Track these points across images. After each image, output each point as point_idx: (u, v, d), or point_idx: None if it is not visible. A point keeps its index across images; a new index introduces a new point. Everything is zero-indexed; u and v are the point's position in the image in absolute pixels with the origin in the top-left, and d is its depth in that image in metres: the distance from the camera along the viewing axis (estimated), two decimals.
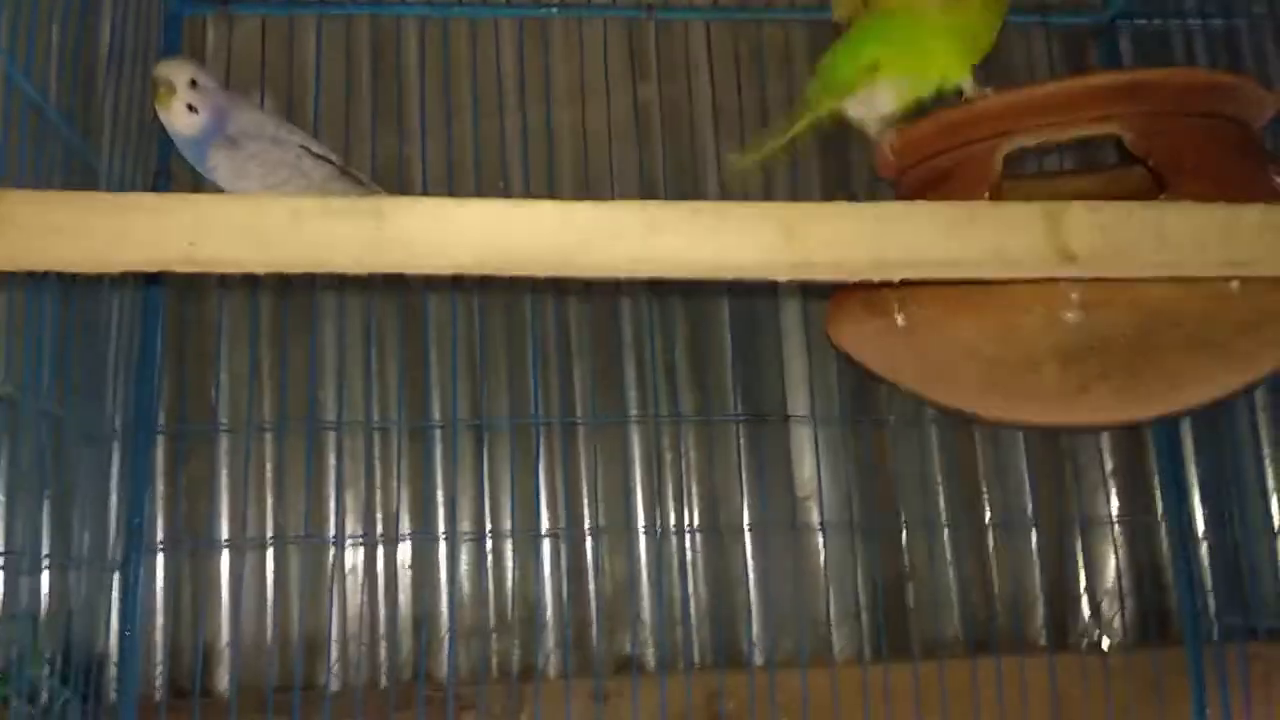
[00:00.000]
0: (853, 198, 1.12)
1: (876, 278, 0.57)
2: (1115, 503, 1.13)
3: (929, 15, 0.76)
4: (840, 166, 1.15)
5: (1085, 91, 0.72)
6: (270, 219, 0.53)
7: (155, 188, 1.02)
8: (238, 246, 0.53)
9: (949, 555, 1.11)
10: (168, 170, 1.03)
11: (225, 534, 1.03)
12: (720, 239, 0.55)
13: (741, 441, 1.10)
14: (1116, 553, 1.12)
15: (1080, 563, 1.12)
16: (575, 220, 0.55)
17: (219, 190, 0.87)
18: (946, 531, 1.11)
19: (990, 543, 1.12)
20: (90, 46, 0.93)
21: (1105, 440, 1.15)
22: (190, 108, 0.85)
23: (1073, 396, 0.75)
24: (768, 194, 1.13)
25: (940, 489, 1.12)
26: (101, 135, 0.93)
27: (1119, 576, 1.12)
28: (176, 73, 0.85)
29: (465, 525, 1.06)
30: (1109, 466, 1.15)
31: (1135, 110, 0.72)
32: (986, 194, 0.74)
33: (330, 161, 0.88)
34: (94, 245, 0.52)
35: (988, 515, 1.12)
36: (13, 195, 0.52)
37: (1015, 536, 1.12)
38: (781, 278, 0.57)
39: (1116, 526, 1.13)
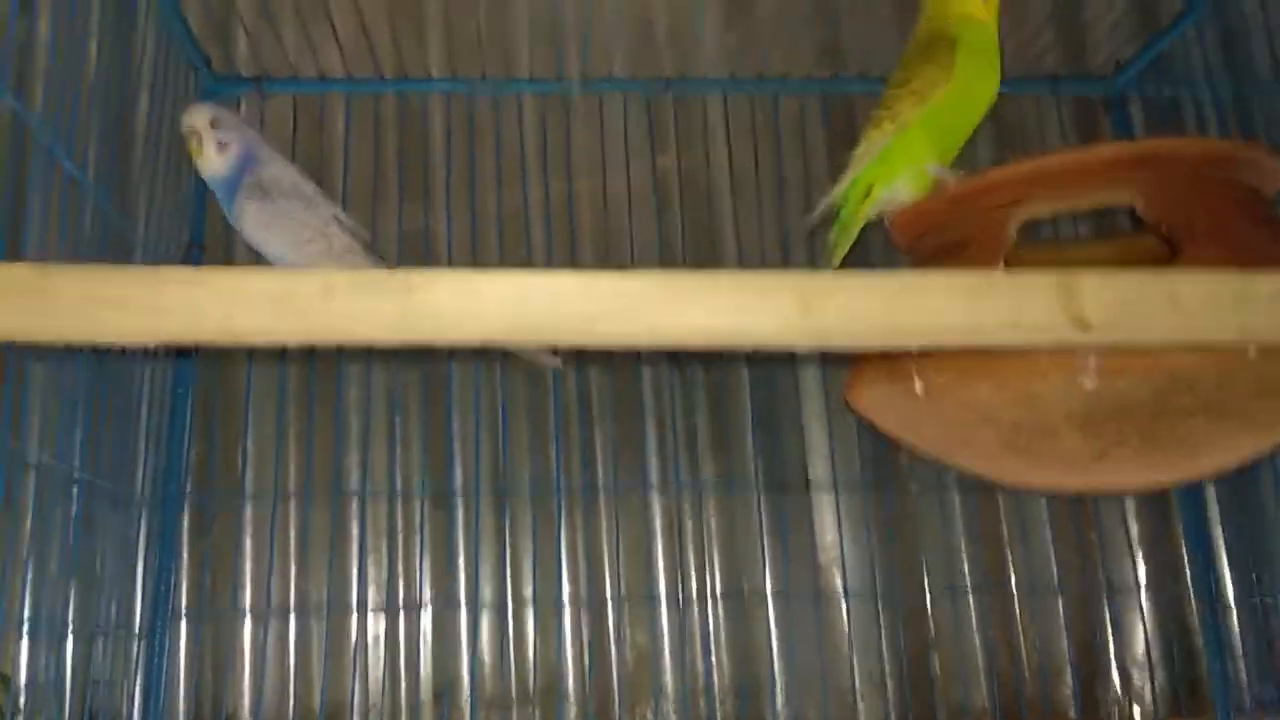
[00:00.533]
0: (868, 266, 1.15)
1: (892, 347, 0.58)
2: (1143, 569, 1.12)
3: (908, 129, 0.85)
4: (858, 236, 1.17)
5: (1096, 161, 0.73)
6: (303, 292, 0.55)
7: (188, 259, 1.04)
8: (271, 319, 0.54)
9: (975, 622, 1.10)
10: (201, 243, 1.06)
11: (248, 602, 1.04)
12: (738, 309, 0.56)
13: (763, 509, 1.10)
14: (1144, 620, 1.11)
15: (1109, 630, 1.11)
16: (596, 290, 0.56)
17: (251, 253, 0.90)
18: (972, 598, 1.10)
19: (1017, 609, 1.10)
20: (127, 123, 0.96)
21: (1130, 505, 1.14)
22: (220, 145, 0.87)
23: (1092, 462, 0.75)
24: (785, 260, 1.15)
25: (964, 555, 1.11)
26: (137, 208, 0.96)
27: (1148, 645, 1.10)
28: (197, 118, 0.87)
29: (487, 593, 1.06)
30: (1134, 532, 1.14)
31: (1147, 179, 0.73)
32: (1000, 263, 0.75)
33: (359, 235, 0.90)
34: (134, 318, 0.54)
35: (1013, 581, 1.11)
36: (56, 270, 0.54)
37: (1042, 603, 1.10)
38: (798, 347, 0.58)
39: (1144, 593, 1.11)
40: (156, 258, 0.97)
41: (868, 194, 0.89)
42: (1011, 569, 1.11)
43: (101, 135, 0.87)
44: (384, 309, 0.55)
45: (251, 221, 0.87)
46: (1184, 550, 1.12)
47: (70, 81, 0.81)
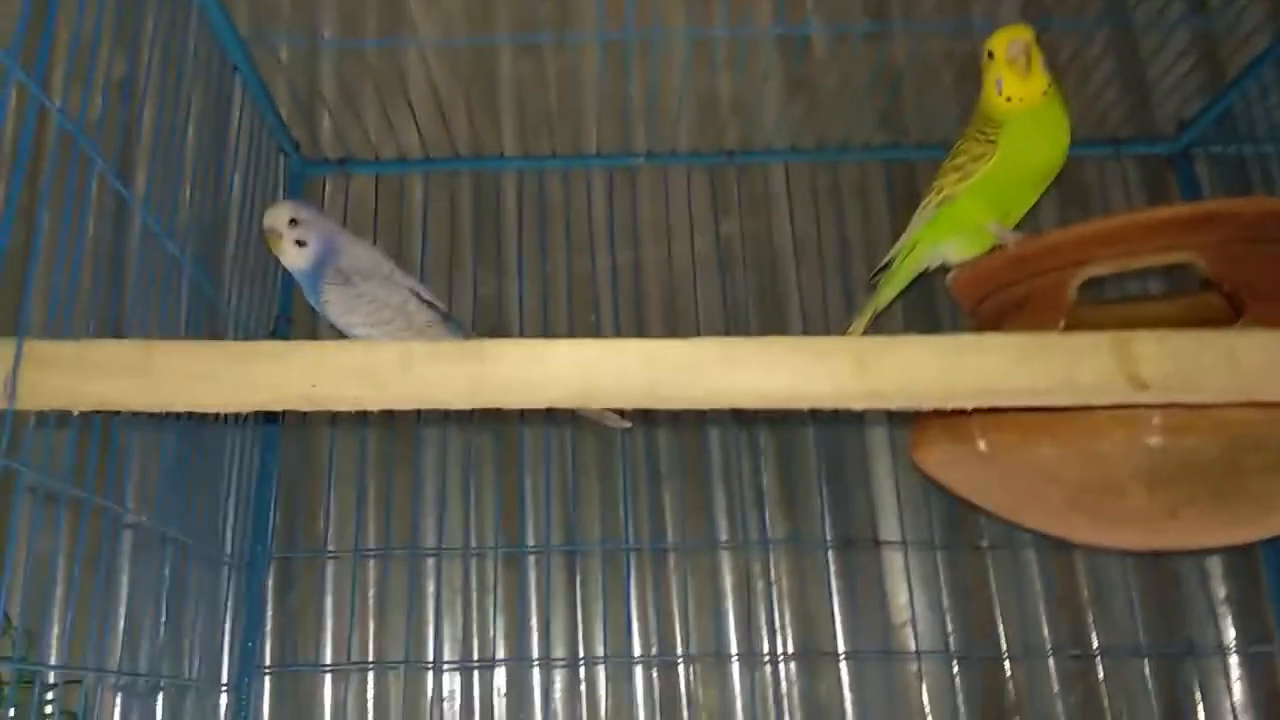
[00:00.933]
0: (935, 323, 1.15)
1: (947, 406, 0.59)
2: (1231, 630, 1.09)
3: (954, 202, 0.89)
4: (924, 292, 1.18)
5: (1156, 223, 0.74)
6: (383, 362, 0.58)
7: (276, 330, 1.10)
8: (354, 387, 0.58)
9: (1055, 685, 1.08)
10: (288, 315, 1.11)
11: (329, 658, 1.07)
12: (794, 371, 0.58)
13: (832, 567, 1.10)
14: (1231, 684, 1.07)
15: (1196, 693, 1.07)
16: (658, 357, 0.59)
17: (334, 329, 0.94)
18: (1051, 659, 1.08)
19: (1100, 671, 1.08)
20: (221, 203, 1.02)
21: (1215, 564, 1.11)
22: (299, 243, 0.93)
23: (1162, 520, 0.74)
24: (850, 321, 1.16)
25: (1042, 614, 1.10)
26: (228, 282, 1.02)
27: (1234, 709, 1.06)
28: (276, 218, 0.93)
29: (559, 651, 1.07)
30: (1221, 593, 1.10)
31: (1208, 239, 0.73)
32: (1061, 322, 0.76)
33: (436, 307, 0.95)
34: (228, 388, 0.58)
35: (1094, 642, 1.09)
36: (156, 346, 0.59)
37: (1125, 665, 1.07)
38: (854, 406, 0.59)
39: (1232, 654, 1.08)
40: (247, 328, 1.02)
41: (911, 251, 0.93)
42: (1092, 629, 1.09)
43: (197, 215, 0.93)
44: (459, 376, 0.59)
45: (335, 308, 0.92)
46: (1273, 609, 1.09)
47: (170, 167, 0.87)
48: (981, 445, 0.76)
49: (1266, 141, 1.04)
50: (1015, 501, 0.82)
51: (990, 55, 0.87)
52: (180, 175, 0.89)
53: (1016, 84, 0.86)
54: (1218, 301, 0.88)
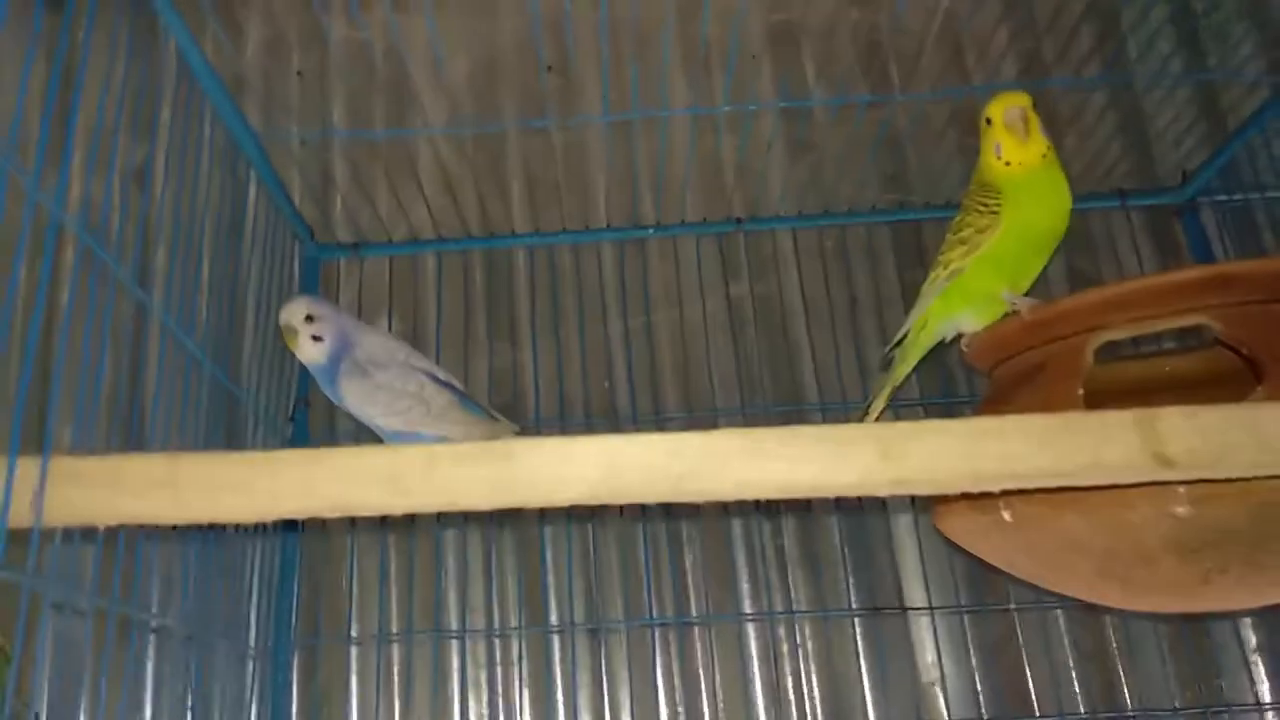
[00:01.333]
0: (952, 388, 1.15)
1: (974, 490, 0.59)
2: (1265, 682, 1.07)
3: (962, 275, 0.89)
4: (936, 356, 1.18)
5: (1169, 287, 0.73)
6: (408, 466, 0.58)
7: (294, 416, 1.10)
8: (379, 493, 0.58)
9: None
10: (307, 399, 1.12)
11: None
12: (820, 462, 0.58)
13: (859, 634, 1.09)
14: None
15: None
16: (683, 450, 0.59)
17: (352, 415, 0.95)
18: (1082, 715, 1.06)
19: None
20: (237, 290, 1.03)
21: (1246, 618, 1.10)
22: (315, 338, 0.93)
23: (1195, 587, 0.73)
24: (863, 379, 1.16)
25: (1073, 674, 1.08)
26: (246, 370, 1.02)
27: None
28: (293, 315, 0.94)
29: None
30: (1253, 641, 1.09)
31: (1224, 302, 0.73)
32: (1079, 387, 0.75)
33: (453, 387, 0.95)
34: (253, 500, 0.58)
35: (1126, 700, 1.07)
36: (183, 459, 0.59)
37: (1155, 714, 1.06)
38: (880, 494, 0.59)
39: (1267, 707, 1.06)
40: (266, 418, 1.03)
41: (924, 326, 0.93)
42: (1124, 687, 1.08)
43: (213, 306, 0.94)
44: (484, 478, 0.59)
45: (353, 400, 0.92)
46: None
47: (187, 260, 0.88)
48: (1006, 516, 0.76)
49: (1272, 189, 1.05)
50: (1043, 570, 0.81)
51: (988, 121, 0.88)
52: (198, 268, 0.90)
53: (1015, 149, 0.87)
54: (1232, 355, 0.89)
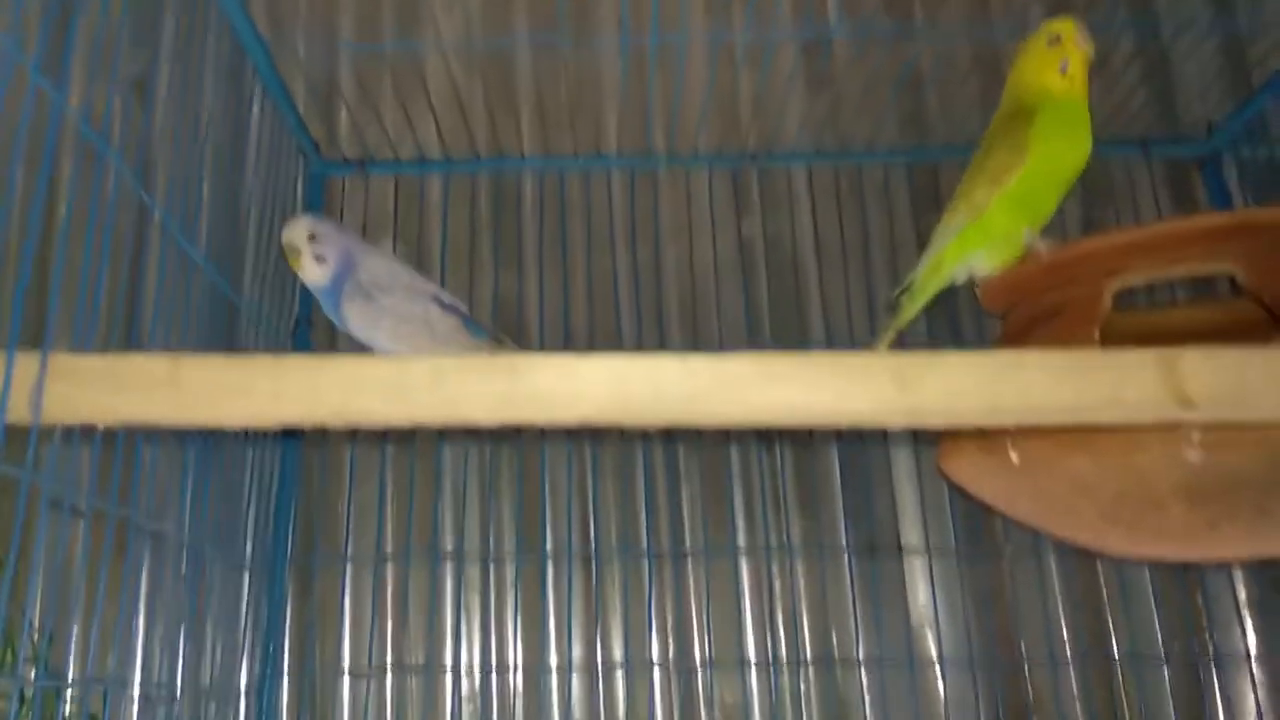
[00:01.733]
0: (958, 330, 1.14)
1: (991, 425, 0.58)
2: (1253, 636, 1.08)
3: (984, 212, 0.87)
4: (945, 299, 1.17)
5: (1192, 232, 0.72)
6: (413, 377, 0.57)
7: (295, 334, 1.09)
8: (384, 403, 0.57)
9: (1076, 690, 1.07)
10: (308, 318, 1.11)
11: (348, 662, 1.06)
12: (834, 389, 0.57)
13: (853, 573, 1.09)
14: (1255, 689, 1.06)
15: (1218, 700, 1.06)
16: (694, 372, 0.58)
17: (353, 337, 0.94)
18: (1072, 666, 1.07)
19: (1120, 678, 1.07)
20: (240, 205, 1.01)
21: (1238, 568, 1.10)
22: (318, 258, 0.92)
23: (1202, 535, 0.73)
24: (871, 324, 1.15)
25: (1063, 621, 1.09)
26: (248, 286, 1.01)
27: (1260, 714, 1.05)
28: (295, 234, 0.92)
29: (577, 655, 1.07)
30: (1243, 595, 1.09)
31: (1245, 248, 0.72)
32: (1096, 332, 0.74)
33: (458, 310, 0.94)
34: (256, 403, 0.57)
35: (1116, 648, 1.08)
36: (185, 361, 0.58)
37: (1146, 671, 1.07)
38: (895, 426, 0.58)
39: (1254, 661, 1.07)
40: (267, 333, 1.02)
41: (938, 267, 0.91)
42: (1113, 636, 1.08)
43: (216, 217, 0.93)
44: (490, 392, 0.57)
45: (356, 323, 0.91)
46: None
47: (189, 169, 0.86)
48: (1013, 457, 0.75)
49: None
50: (1047, 514, 0.81)
51: (1056, 39, 0.87)
52: (199, 177, 0.88)
53: (1081, 69, 0.87)
54: (1253, 307, 0.87)
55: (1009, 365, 0.57)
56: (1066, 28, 0.87)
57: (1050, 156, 0.85)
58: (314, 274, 0.93)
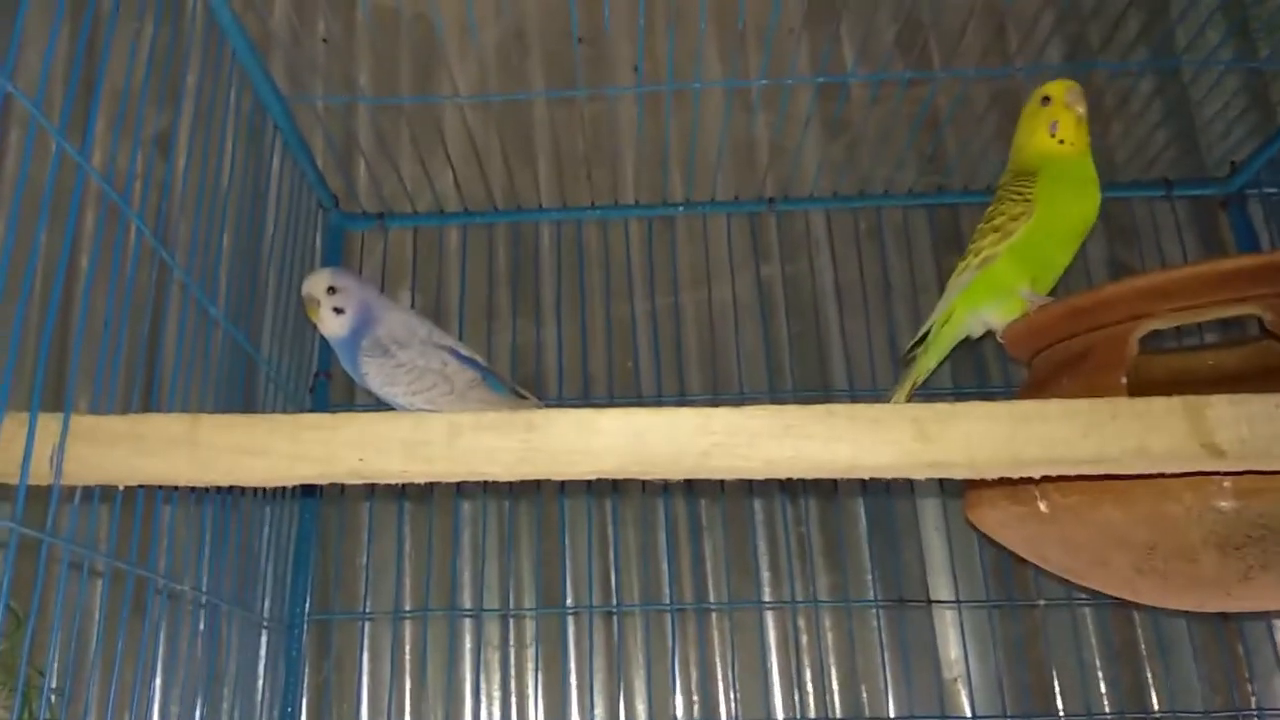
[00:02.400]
0: (985, 377, 1.13)
1: (1014, 475, 0.57)
2: None
3: (993, 263, 0.88)
4: (970, 344, 1.15)
5: (1219, 275, 0.71)
6: (430, 435, 0.57)
7: (314, 389, 1.09)
8: (401, 460, 0.57)
9: None
10: (328, 371, 1.11)
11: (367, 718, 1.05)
12: (854, 441, 0.56)
13: (881, 626, 1.07)
14: None
15: None
16: (712, 425, 0.57)
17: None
18: (1109, 714, 1.04)
19: None
20: (259, 260, 1.02)
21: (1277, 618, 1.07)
22: (336, 310, 0.92)
23: (1234, 585, 0.71)
24: (893, 367, 1.14)
25: (1100, 674, 1.06)
26: (265, 337, 1.01)
27: None
28: (315, 286, 0.93)
29: (600, 711, 1.05)
30: None
31: (1274, 292, 0.71)
32: (1123, 377, 0.73)
33: (477, 365, 0.93)
34: (273, 463, 0.57)
35: (1155, 702, 1.05)
36: (204, 421, 0.57)
37: (1184, 716, 1.03)
38: (917, 476, 0.57)
39: None
40: (286, 388, 1.02)
41: (948, 320, 0.92)
42: (1152, 689, 1.05)
43: (235, 272, 0.93)
44: (507, 448, 0.57)
45: (375, 379, 0.91)
46: None
47: (209, 225, 0.86)
48: (1042, 507, 0.74)
49: None
50: (1077, 565, 0.79)
51: (1046, 100, 0.88)
52: (219, 234, 0.89)
53: (1072, 129, 0.87)
54: (1279, 349, 0.86)
55: (1032, 415, 0.56)
56: (1056, 89, 0.88)
57: (1057, 211, 0.86)
58: (332, 326, 0.93)
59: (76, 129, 0.61)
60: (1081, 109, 0.86)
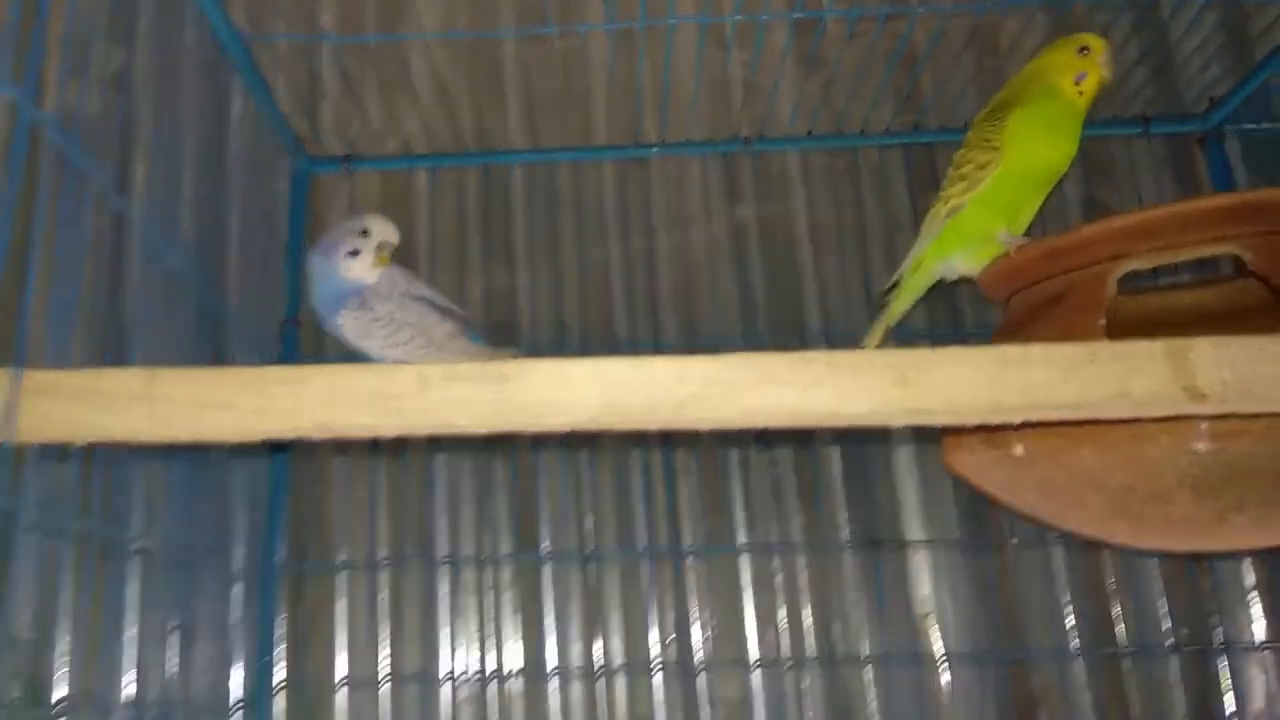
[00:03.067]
0: (958, 318, 1.12)
1: (994, 421, 0.56)
2: (1262, 620, 1.06)
3: (962, 212, 0.89)
4: (944, 285, 1.14)
5: (1198, 214, 0.70)
6: (399, 387, 0.55)
7: (284, 335, 1.07)
8: (369, 414, 0.55)
9: (1084, 680, 1.05)
10: (296, 318, 1.08)
11: (343, 671, 1.04)
12: (833, 389, 0.55)
13: (855, 567, 1.07)
14: (1266, 672, 1.05)
15: (1227, 685, 1.05)
16: (688, 375, 0.56)
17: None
18: (1078, 656, 1.05)
19: (1127, 666, 1.05)
20: (220, 201, 0.99)
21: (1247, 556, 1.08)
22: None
23: (1209, 526, 0.71)
24: (869, 309, 1.13)
25: (1069, 609, 1.07)
26: (232, 289, 0.99)
27: (1269, 699, 1.04)
28: (394, 233, 0.90)
29: (575, 657, 1.05)
30: (1250, 580, 1.08)
31: (1253, 230, 0.70)
32: (1102, 319, 0.72)
33: (456, 315, 0.91)
34: (237, 417, 0.55)
35: (1123, 636, 1.06)
36: (162, 374, 0.56)
37: (1154, 659, 1.05)
38: (896, 424, 0.56)
39: (1264, 645, 1.05)
40: (253, 338, 1.00)
41: (919, 267, 0.92)
42: (1120, 624, 1.07)
43: (197, 221, 0.90)
44: (478, 400, 0.56)
45: (350, 332, 0.89)
46: None
47: (169, 171, 0.84)
48: (1019, 450, 0.74)
49: None
50: (1053, 508, 0.79)
51: (1084, 50, 0.88)
52: (180, 179, 0.86)
53: (1093, 87, 0.87)
54: (1258, 288, 0.85)
55: (1012, 360, 0.55)
56: (1099, 45, 0.88)
57: (1027, 157, 0.86)
58: (370, 274, 0.90)
59: (18, 73, 0.58)
60: (1110, 73, 0.87)
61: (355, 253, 0.89)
